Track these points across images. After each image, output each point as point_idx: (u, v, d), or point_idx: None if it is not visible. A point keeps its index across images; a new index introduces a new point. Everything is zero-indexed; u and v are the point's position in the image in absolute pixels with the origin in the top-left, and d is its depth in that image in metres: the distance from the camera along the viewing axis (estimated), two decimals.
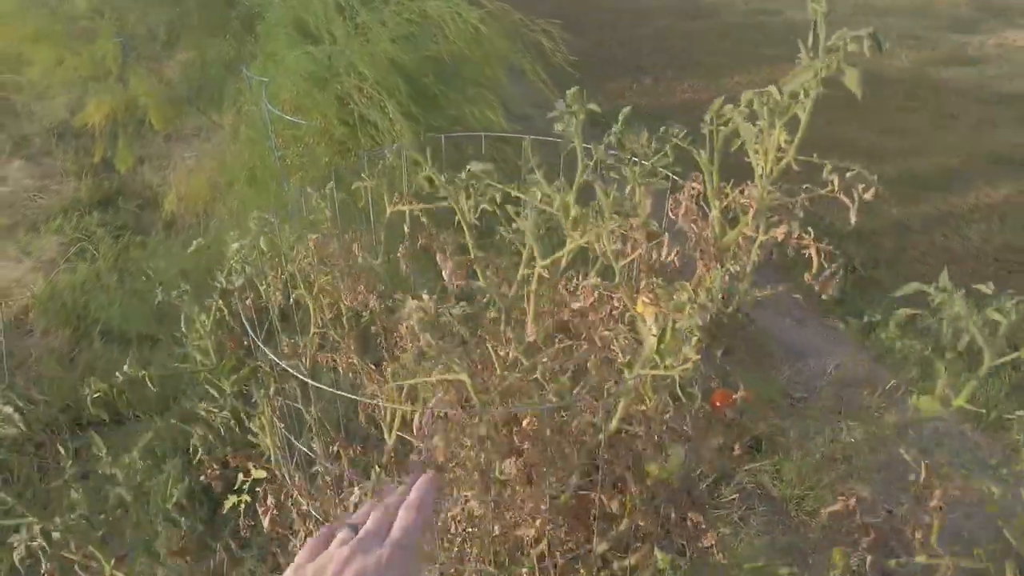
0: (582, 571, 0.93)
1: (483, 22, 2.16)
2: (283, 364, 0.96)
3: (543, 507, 0.84)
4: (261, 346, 0.98)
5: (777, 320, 3.12)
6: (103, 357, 2.77)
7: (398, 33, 2.16)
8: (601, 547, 0.91)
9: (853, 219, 0.81)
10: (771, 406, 2.52)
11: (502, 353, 0.75)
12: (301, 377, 0.99)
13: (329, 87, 2.20)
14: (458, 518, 0.80)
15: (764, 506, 2.32)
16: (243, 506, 1.13)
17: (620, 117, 0.92)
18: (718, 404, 1.00)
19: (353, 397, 0.90)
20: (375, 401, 0.89)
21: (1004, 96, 5.31)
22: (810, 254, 0.84)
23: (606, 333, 0.77)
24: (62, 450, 1.38)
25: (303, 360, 1.09)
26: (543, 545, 0.86)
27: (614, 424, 0.74)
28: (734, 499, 2.30)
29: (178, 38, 3.51)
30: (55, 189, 4.04)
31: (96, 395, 1.31)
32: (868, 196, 0.81)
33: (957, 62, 6.00)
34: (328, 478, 0.98)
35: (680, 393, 0.79)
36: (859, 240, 3.62)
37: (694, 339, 0.78)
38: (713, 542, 0.87)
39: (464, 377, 0.67)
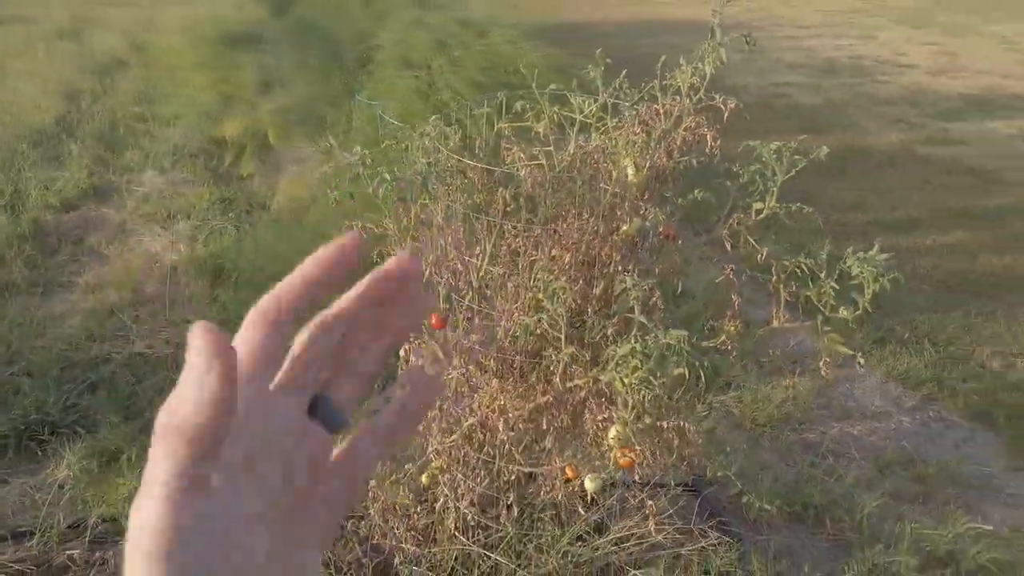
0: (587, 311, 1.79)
1: (541, 60, 3.13)
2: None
3: (567, 256, 1.71)
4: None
5: None
6: (235, 298, 3.68)
7: (481, 65, 3.13)
8: (600, 287, 1.77)
9: (718, 133, 1.69)
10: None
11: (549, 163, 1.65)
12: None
13: (429, 100, 3.17)
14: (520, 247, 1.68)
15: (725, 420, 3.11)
16: None
17: (623, 73, 1.83)
18: (663, 231, 1.87)
19: (487, 166, 1.78)
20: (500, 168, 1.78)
21: (971, 169, 6.20)
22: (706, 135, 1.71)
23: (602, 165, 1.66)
24: None
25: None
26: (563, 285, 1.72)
27: (608, 197, 1.62)
28: (706, 415, 3.09)
29: (298, 75, 4.56)
30: (182, 192, 5.05)
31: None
32: (731, 106, 1.70)
33: (938, 143, 6.92)
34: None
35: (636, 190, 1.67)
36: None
37: (645, 169, 1.66)
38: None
39: (541, 161, 1.56)
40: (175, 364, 3.26)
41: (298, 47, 4.77)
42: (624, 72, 1.84)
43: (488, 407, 1.75)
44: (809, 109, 7.87)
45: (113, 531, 2.40)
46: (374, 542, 2.30)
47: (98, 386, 3.14)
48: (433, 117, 1.76)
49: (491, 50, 3.19)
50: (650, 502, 1.72)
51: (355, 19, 4.55)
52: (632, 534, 2.18)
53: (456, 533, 2.20)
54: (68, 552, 2.30)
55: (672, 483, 2.55)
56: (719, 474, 2.34)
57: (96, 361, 3.28)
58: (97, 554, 2.29)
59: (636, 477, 1.69)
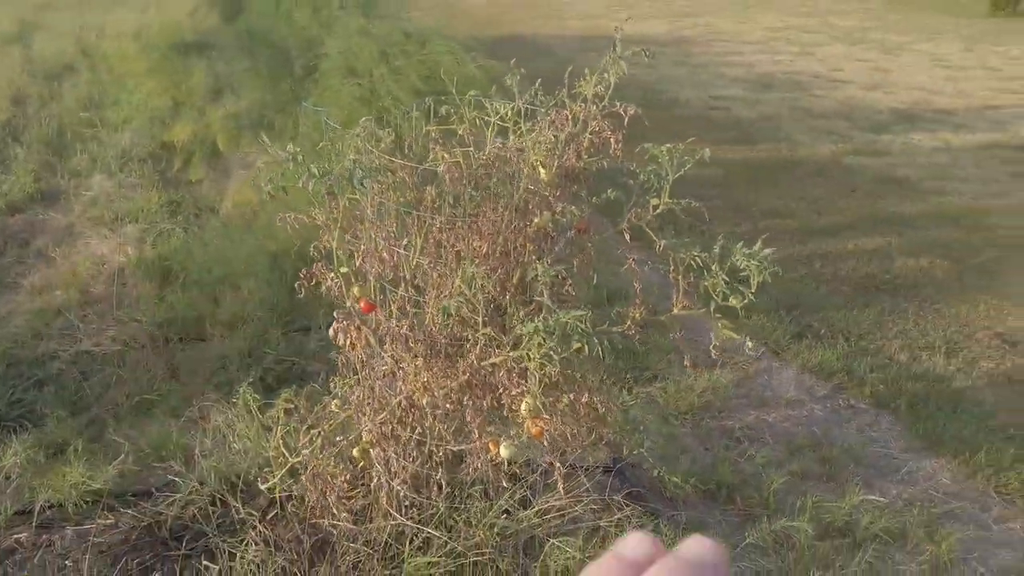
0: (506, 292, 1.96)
1: (477, 71, 3.31)
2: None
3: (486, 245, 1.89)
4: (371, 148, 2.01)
5: None
6: (183, 298, 3.77)
7: (421, 74, 3.30)
8: (516, 276, 1.95)
9: (621, 137, 1.89)
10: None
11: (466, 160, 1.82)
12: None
13: (372, 106, 3.32)
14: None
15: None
16: None
17: (537, 83, 2.02)
18: (577, 226, 2.06)
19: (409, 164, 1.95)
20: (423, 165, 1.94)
21: (896, 178, 6.56)
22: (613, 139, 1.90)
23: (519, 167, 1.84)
24: None
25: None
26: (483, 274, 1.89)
27: (520, 192, 1.80)
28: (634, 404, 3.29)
29: (248, 81, 4.67)
30: (131, 196, 5.10)
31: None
32: (631, 112, 1.89)
33: (866, 153, 7.29)
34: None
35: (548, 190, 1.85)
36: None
37: (554, 168, 1.85)
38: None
39: (459, 159, 1.73)
40: (122, 361, 3.35)
41: (248, 54, 4.89)
42: (539, 81, 2.03)
43: (413, 384, 1.90)
44: (746, 121, 8.20)
45: (60, 516, 2.49)
46: (312, 521, 2.43)
47: (44, 382, 3.21)
48: (363, 119, 1.92)
49: (431, 60, 3.36)
50: (558, 464, 1.89)
51: (303, 27, 4.68)
52: (553, 507, 2.35)
53: (390, 510, 2.35)
54: (15, 536, 2.39)
55: (592, 463, 2.74)
56: (635, 452, 2.53)
57: (42, 359, 3.35)
58: (44, 537, 2.38)
59: (545, 442, 1.86)
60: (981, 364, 3.77)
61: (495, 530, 2.30)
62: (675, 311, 2.03)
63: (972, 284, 4.66)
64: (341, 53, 3.69)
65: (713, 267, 1.92)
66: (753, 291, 1.92)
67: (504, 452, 1.85)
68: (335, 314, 1.90)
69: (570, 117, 1.88)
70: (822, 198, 6.06)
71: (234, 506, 2.54)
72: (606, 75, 1.89)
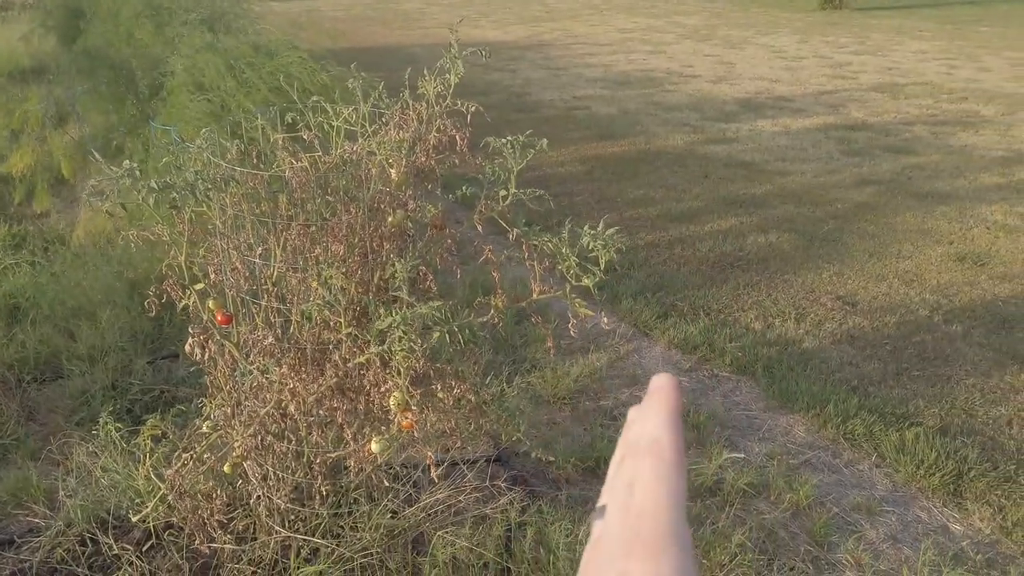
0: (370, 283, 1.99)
1: (329, 80, 3.31)
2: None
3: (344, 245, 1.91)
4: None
5: None
6: (34, 335, 3.56)
7: (272, 85, 3.26)
8: (377, 275, 1.98)
9: (467, 135, 1.96)
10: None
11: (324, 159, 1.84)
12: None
13: (222, 120, 3.26)
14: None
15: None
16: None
17: (380, 86, 2.06)
18: (433, 223, 2.11)
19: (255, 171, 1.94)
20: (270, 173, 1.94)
21: (743, 163, 7.01)
22: (459, 141, 1.97)
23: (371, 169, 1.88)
24: None
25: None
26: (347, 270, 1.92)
27: (370, 193, 1.84)
28: (512, 394, 3.38)
29: (91, 105, 4.45)
30: None
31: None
32: (473, 109, 1.97)
33: (716, 141, 7.75)
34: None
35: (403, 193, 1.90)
36: (620, 254, 4.92)
37: (403, 168, 1.89)
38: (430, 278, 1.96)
39: (306, 163, 1.74)
40: None
41: (89, 77, 4.65)
42: (382, 84, 2.07)
43: (280, 392, 1.90)
44: (606, 118, 8.54)
45: None
46: (193, 547, 2.37)
47: None
48: (205, 129, 1.90)
49: (282, 71, 3.33)
50: (430, 453, 1.94)
51: (147, 45, 4.51)
52: (438, 500, 2.39)
53: (273, 525, 2.32)
54: None
55: (475, 454, 2.80)
56: (514, 439, 2.61)
57: None
58: None
59: (416, 433, 1.90)
60: (826, 326, 4.10)
61: (381, 531, 2.32)
62: (534, 296, 2.12)
63: (816, 254, 5.05)
64: (187, 69, 3.58)
65: (564, 250, 2.02)
66: (602, 269, 2.03)
67: (375, 447, 1.88)
68: (190, 328, 1.87)
69: (414, 117, 1.93)
70: (679, 185, 6.40)
71: (105, 543, 2.43)
72: (447, 75, 1.95)
